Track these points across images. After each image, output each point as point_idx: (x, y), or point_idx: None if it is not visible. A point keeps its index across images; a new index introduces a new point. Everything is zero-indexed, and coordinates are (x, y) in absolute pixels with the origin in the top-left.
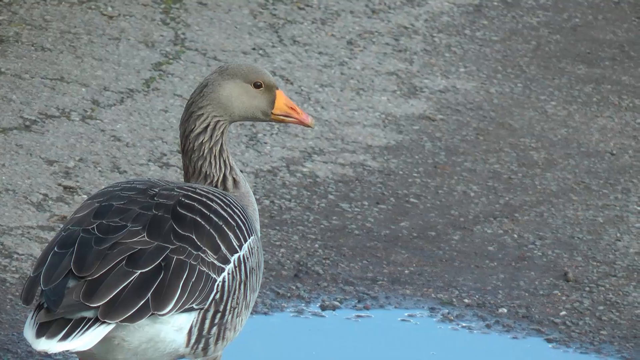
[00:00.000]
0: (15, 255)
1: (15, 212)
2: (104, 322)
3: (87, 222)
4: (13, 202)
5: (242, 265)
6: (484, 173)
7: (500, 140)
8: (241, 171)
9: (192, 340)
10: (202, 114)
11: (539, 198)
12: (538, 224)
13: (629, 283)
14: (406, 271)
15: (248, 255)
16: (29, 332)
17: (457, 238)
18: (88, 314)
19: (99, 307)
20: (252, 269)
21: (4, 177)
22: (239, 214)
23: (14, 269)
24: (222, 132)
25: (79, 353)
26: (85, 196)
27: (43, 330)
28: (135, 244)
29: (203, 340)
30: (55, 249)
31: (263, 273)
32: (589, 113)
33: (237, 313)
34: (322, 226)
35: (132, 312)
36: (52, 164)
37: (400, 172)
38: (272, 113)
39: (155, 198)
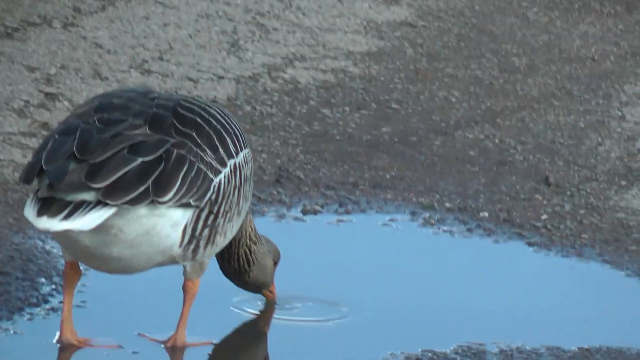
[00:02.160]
0: None
1: None
2: (105, 206)
3: (88, 115)
4: None
5: (238, 171)
6: (466, 79)
7: (482, 47)
8: (221, 77)
9: (185, 240)
10: (248, 260)
11: (520, 103)
12: (519, 129)
13: (610, 187)
14: (387, 176)
15: (243, 164)
16: (30, 212)
17: (439, 143)
18: (89, 196)
19: (100, 188)
20: (246, 177)
21: None
22: (236, 125)
23: None
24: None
25: (72, 245)
26: (66, 102)
27: (44, 210)
28: (137, 135)
29: (194, 242)
30: (56, 136)
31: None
32: (571, 19)
33: (229, 218)
34: (303, 132)
35: (133, 195)
36: (34, 71)
37: (382, 78)
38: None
39: (155, 100)
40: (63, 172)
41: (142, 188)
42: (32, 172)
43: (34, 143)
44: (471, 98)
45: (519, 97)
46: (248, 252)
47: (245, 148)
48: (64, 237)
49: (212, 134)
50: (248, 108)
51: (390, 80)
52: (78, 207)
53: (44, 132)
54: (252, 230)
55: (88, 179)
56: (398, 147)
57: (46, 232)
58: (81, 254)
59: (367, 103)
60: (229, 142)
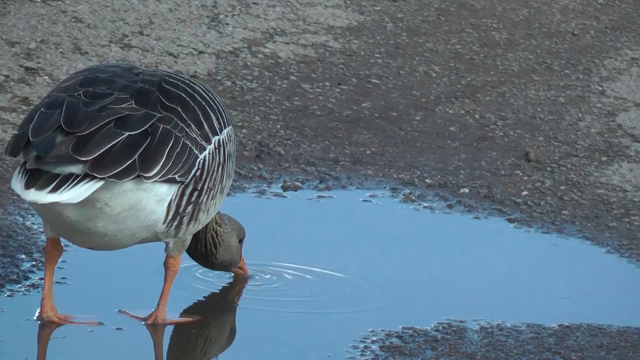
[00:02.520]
0: None
1: None
2: (92, 179)
3: (74, 89)
4: None
5: (221, 148)
6: (446, 54)
7: (462, 21)
8: (202, 52)
9: (169, 217)
10: (215, 243)
11: (501, 78)
12: (500, 104)
13: (590, 163)
14: (368, 152)
15: (227, 141)
16: (17, 184)
17: (419, 118)
18: (76, 169)
19: (87, 161)
20: (230, 154)
21: None
22: (219, 102)
23: None
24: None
25: (56, 219)
26: (46, 77)
27: (32, 182)
28: (123, 109)
29: (178, 218)
30: (42, 109)
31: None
32: None
33: (213, 195)
34: (283, 107)
35: (119, 169)
36: (14, 45)
37: (362, 53)
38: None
39: (139, 75)
40: (50, 144)
41: (128, 162)
42: (18, 144)
43: (14, 118)
44: (451, 73)
45: (500, 72)
46: (215, 235)
47: (228, 125)
48: (49, 211)
49: (197, 110)
50: (228, 83)
51: (371, 55)
52: (66, 180)
53: (24, 107)
54: (218, 213)
55: (75, 152)
56: (378, 122)
57: (33, 205)
58: (66, 229)
59: (347, 78)
60: (213, 118)
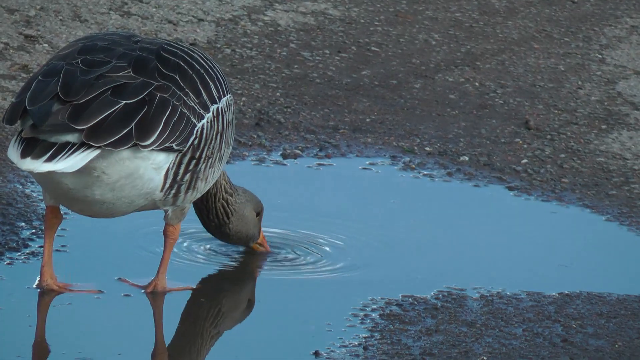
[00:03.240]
0: None
1: None
2: (88, 148)
3: (72, 57)
4: None
5: (220, 116)
6: (446, 21)
7: None
8: (201, 20)
9: (167, 185)
10: (227, 212)
11: (501, 46)
12: (499, 72)
13: (590, 131)
14: (367, 119)
15: (226, 109)
16: (13, 153)
17: (419, 86)
18: (72, 138)
19: (83, 130)
20: (229, 122)
21: None
22: (218, 70)
23: None
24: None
25: (54, 187)
26: (46, 45)
27: (28, 151)
28: (120, 78)
29: (176, 186)
30: (40, 77)
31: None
32: None
33: (211, 164)
34: (283, 75)
35: (115, 138)
36: (13, 12)
37: (362, 21)
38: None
39: (138, 43)
40: (47, 113)
41: (124, 131)
42: (15, 112)
43: (14, 86)
44: (451, 41)
45: (499, 39)
46: (225, 204)
47: (227, 93)
48: (47, 179)
49: (196, 78)
50: (228, 51)
51: (370, 22)
52: (62, 149)
53: (24, 75)
54: (226, 182)
55: (71, 120)
56: (378, 90)
57: (29, 173)
58: (64, 197)
59: (347, 46)
60: (212, 86)
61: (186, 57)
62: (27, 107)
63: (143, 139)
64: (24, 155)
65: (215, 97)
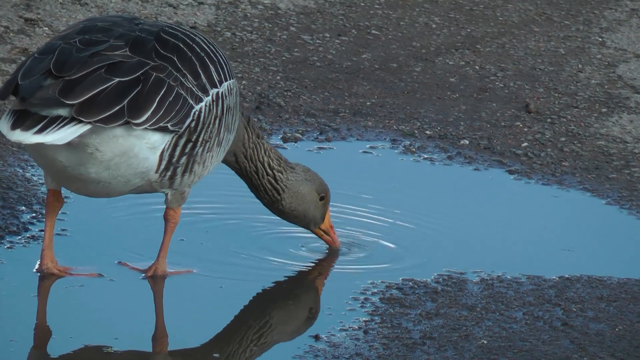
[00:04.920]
0: None
1: None
2: (80, 122)
3: (70, 37)
4: None
5: (220, 101)
6: (446, 4)
7: None
8: (201, 3)
9: (162, 166)
10: (276, 188)
11: (501, 29)
12: (500, 55)
13: (590, 114)
14: (368, 103)
15: (227, 94)
16: (4, 125)
17: (419, 70)
18: (63, 112)
19: (74, 105)
20: (229, 108)
21: None
22: (221, 55)
23: None
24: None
25: (50, 164)
26: (46, 28)
27: (18, 123)
28: (116, 56)
29: (172, 169)
30: (36, 55)
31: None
32: None
33: (209, 148)
34: (283, 58)
35: (107, 114)
36: None
37: (362, 4)
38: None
39: (139, 25)
40: (36, 87)
41: (116, 108)
42: (7, 88)
43: (14, 69)
44: (451, 24)
45: (499, 23)
46: (273, 181)
47: (230, 79)
48: (41, 155)
49: (195, 61)
50: (228, 34)
51: (371, 6)
52: (52, 122)
53: (24, 58)
54: (271, 159)
55: (62, 95)
56: (378, 73)
57: (26, 151)
58: (60, 175)
59: (347, 29)
60: (212, 70)
61: (187, 39)
62: (19, 82)
63: (135, 116)
64: (14, 127)
65: (216, 80)
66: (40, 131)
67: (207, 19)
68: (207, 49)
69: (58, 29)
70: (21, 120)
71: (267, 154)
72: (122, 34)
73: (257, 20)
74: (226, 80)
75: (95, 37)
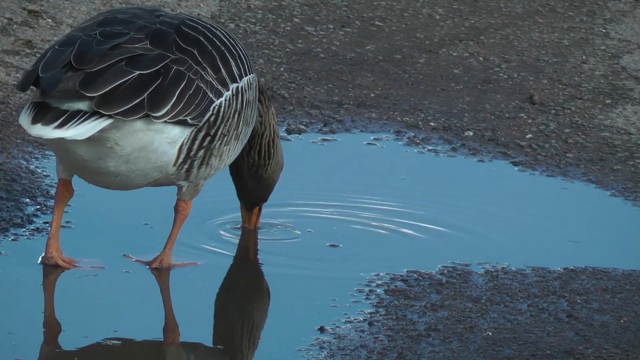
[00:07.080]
0: None
1: None
2: (100, 116)
3: (90, 29)
4: None
5: (240, 95)
6: None
7: None
8: None
9: (180, 159)
10: (270, 153)
11: (505, 21)
12: (504, 46)
13: (594, 105)
14: (372, 94)
15: (246, 88)
16: (24, 119)
17: (423, 61)
18: (83, 105)
19: (94, 97)
20: (249, 102)
21: None
22: (242, 49)
23: None
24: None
25: (69, 157)
26: (50, 20)
27: (39, 117)
28: (137, 49)
29: (189, 162)
30: (56, 47)
31: None
32: None
33: (227, 141)
34: (287, 50)
35: (127, 107)
36: None
37: None
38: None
39: (160, 17)
40: (57, 79)
41: (136, 100)
42: (28, 79)
43: (18, 61)
44: (455, 15)
45: (503, 14)
46: (271, 144)
47: (250, 73)
48: (61, 149)
49: (215, 54)
50: (232, 25)
51: None
52: (73, 117)
53: (27, 50)
54: (276, 123)
55: (82, 87)
56: (382, 65)
57: (40, 140)
58: (78, 168)
59: (351, 20)
60: (233, 64)
61: (207, 33)
62: (40, 74)
63: (155, 109)
64: (34, 121)
65: (236, 74)
66: (60, 126)
67: (210, 10)
68: (228, 42)
69: (62, 21)
70: (41, 114)
71: (274, 118)
72: (143, 27)
73: (260, 11)
74: (246, 75)
75: (115, 29)
